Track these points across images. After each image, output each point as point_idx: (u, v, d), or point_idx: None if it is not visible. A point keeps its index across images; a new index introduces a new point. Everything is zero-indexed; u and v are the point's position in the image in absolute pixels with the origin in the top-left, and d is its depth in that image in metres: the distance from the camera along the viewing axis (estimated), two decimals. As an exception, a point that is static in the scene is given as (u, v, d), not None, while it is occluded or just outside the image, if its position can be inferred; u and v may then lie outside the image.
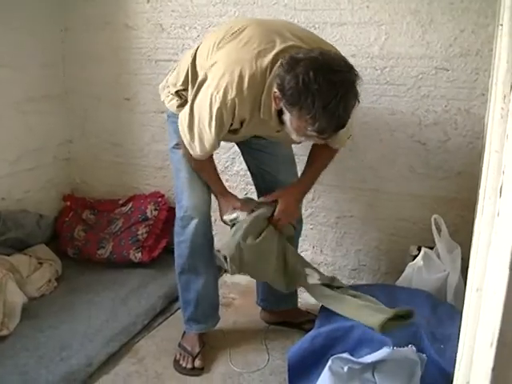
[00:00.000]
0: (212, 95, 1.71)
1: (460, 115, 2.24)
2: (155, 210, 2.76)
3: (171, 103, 2.03)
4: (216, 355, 2.17)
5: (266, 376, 2.05)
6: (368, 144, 2.40)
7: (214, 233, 2.68)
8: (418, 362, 1.57)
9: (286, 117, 1.64)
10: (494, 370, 0.47)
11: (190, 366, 2.08)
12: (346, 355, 1.63)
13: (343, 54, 2.30)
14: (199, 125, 1.79)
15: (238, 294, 2.62)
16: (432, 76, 2.25)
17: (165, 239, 2.73)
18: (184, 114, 1.84)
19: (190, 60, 1.93)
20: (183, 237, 2.08)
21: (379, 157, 2.35)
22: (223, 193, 2.09)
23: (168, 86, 2.05)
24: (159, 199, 2.81)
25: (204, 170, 2.02)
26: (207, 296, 2.16)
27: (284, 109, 1.63)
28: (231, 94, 1.68)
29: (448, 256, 2.07)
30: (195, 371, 2.07)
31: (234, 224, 2.00)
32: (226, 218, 2.04)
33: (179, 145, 1.99)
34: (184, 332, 2.21)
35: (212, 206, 2.09)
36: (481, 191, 1.06)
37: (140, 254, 2.67)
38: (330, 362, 1.62)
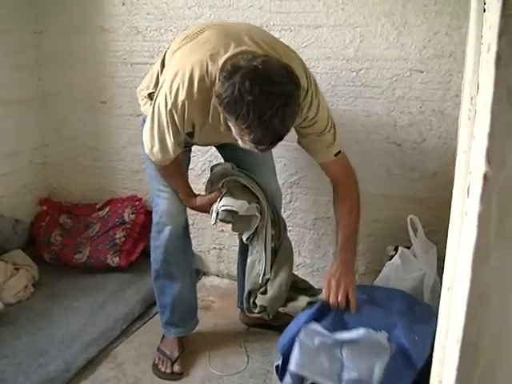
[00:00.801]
0: (166, 97, 1.70)
1: (435, 116, 2.26)
2: (132, 213, 2.75)
3: (145, 107, 2.00)
4: (195, 358, 2.16)
5: (245, 379, 2.05)
6: (345, 146, 2.41)
7: (192, 235, 2.68)
8: (387, 349, 1.57)
9: (230, 123, 1.59)
10: (458, 368, 0.48)
11: (169, 370, 2.08)
12: (319, 328, 1.64)
13: (318, 57, 2.35)
14: (159, 129, 1.77)
15: (218, 296, 2.62)
16: (407, 78, 2.27)
17: (142, 243, 2.71)
18: (147, 120, 1.84)
19: (159, 62, 1.93)
20: (158, 242, 2.08)
21: (355, 158, 2.35)
22: (193, 195, 2.04)
23: (142, 90, 2.04)
24: (136, 203, 2.80)
25: (171, 176, 1.99)
26: (183, 300, 2.15)
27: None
28: (181, 97, 1.66)
29: (424, 256, 2.09)
30: (174, 376, 2.06)
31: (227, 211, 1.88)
32: (216, 215, 1.90)
33: None
34: (163, 336, 2.20)
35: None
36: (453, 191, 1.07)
37: (117, 258, 2.65)
38: (302, 333, 1.62)
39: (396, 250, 2.22)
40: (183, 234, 2.11)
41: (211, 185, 2.01)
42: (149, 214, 2.74)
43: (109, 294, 2.49)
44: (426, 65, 2.23)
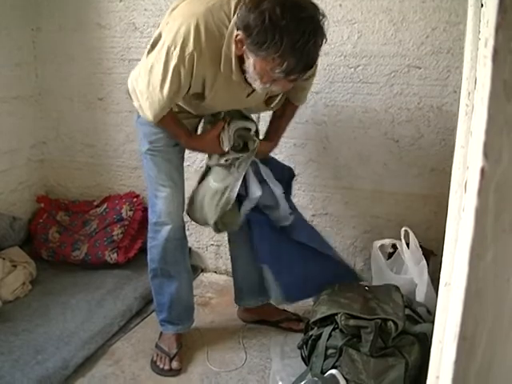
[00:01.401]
0: (169, 51, 1.62)
1: (432, 112, 2.27)
2: (130, 210, 2.74)
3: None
4: (193, 355, 2.16)
5: (243, 375, 2.05)
6: (342, 142, 2.41)
7: (190, 232, 2.68)
8: None
9: (250, 62, 1.58)
10: (455, 362, 0.48)
11: (167, 367, 2.07)
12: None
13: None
14: (149, 87, 1.71)
15: (215, 293, 2.62)
16: (405, 74, 2.27)
17: (140, 239, 2.71)
18: (134, 76, 1.78)
19: (156, 34, 1.85)
20: (156, 242, 2.07)
21: (353, 155, 2.36)
22: (197, 138, 1.98)
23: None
24: (134, 199, 2.79)
25: (169, 125, 1.88)
26: (181, 299, 2.15)
27: (248, 53, 1.56)
28: (189, 48, 1.60)
29: (415, 268, 2.07)
30: (172, 372, 2.06)
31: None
32: (227, 141, 1.90)
33: (152, 150, 1.97)
34: (161, 333, 2.20)
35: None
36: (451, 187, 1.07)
37: (115, 254, 2.64)
38: None
39: (394, 247, 2.23)
40: (180, 234, 2.10)
41: (209, 124, 1.98)
42: (146, 210, 2.72)
43: (107, 291, 2.49)
44: (424, 61, 2.23)
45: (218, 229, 2.07)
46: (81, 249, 2.70)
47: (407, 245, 2.12)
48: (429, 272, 2.06)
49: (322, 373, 1.76)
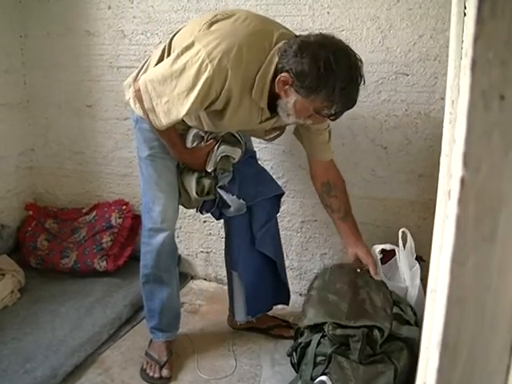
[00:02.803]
0: (203, 62, 1.62)
1: (420, 119, 2.28)
2: (119, 217, 2.74)
3: (139, 105, 1.86)
4: (183, 363, 2.16)
5: (233, 382, 2.05)
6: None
7: (179, 239, 2.69)
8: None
9: (290, 100, 1.65)
10: (438, 370, 0.48)
11: (157, 375, 2.06)
12: None
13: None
14: (174, 91, 1.69)
15: (205, 300, 2.62)
16: (392, 81, 2.28)
17: (130, 247, 2.71)
18: (152, 77, 1.74)
19: (164, 46, 1.87)
20: (150, 247, 2.06)
21: (342, 161, 2.37)
22: (189, 152, 1.97)
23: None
24: (123, 207, 2.78)
25: (169, 134, 1.89)
26: (171, 306, 2.15)
27: (291, 93, 1.63)
28: (227, 64, 1.61)
29: (408, 272, 2.08)
30: (162, 380, 2.05)
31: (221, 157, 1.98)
32: (214, 162, 1.97)
33: (153, 156, 1.97)
34: (151, 340, 2.19)
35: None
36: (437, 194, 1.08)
37: (105, 262, 2.63)
38: None
39: (383, 252, 2.23)
40: (174, 240, 2.12)
41: (198, 139, 2.00)
42: (136, 217, 2.74)
43: (96, 299, 2.48)
44: (412, 68, 2.24)
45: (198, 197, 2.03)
46: (70, 256, 2.69)
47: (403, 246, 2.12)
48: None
49: (312, 379, 1.76)
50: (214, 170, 1.98)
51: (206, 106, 1.72)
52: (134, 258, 2.45)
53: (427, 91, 2.24)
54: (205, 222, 2.73)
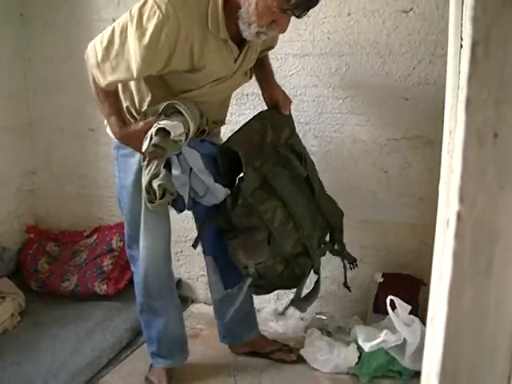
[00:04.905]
0: (151, 9, 1.56)
1: (420, 142, 2.29)
2: (120, 241, 2.73)
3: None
4: (183, 388, 2.14)
5: (234, 407, 2.04)
6: (332, 172, 2.42)
7: (180, 263, 2.68)
8: None
9: (251, 1, 1.58)
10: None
11: (157, 400, 2.05)
12: None
13: (305, 85, 2.38)
14: (121, 47, 1.61)
15: (206, 324, 2.60)
16: (392, 105, 2.30)
17: (130, 270, 2.70)
18: (100, 37, 1.67)
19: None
20: (139, 278, 2.04)
21: (343, 184, 2.38)
22: (126, 129, 1.77)
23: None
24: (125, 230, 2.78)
25: (109, 98, 1.77)
26: (170, 334, 2.12)
27: None
28: (175, 8, 1.55)
29: (407, 329, 2.05)
30: (162, 405, 2.04)
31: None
32: (150, 139, 1.67)
33: (136, 181, 1.84)
34: (151, 365, 2.18)
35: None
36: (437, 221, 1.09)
37: (105, 286, 2.63)
38: None
39: (384, 276, 2.23)
40: (166, 270, 2.07)
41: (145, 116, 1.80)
42: (137, 241, 2.73)
43: (96, 323, 2.47)
44: (411, 92, 2.26)
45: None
46: (70, 280, 2.69)
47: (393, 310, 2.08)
48: (419, 314, 2.07)
49: None
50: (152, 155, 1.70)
51: (161, 63, 1.63)
52: (135, 281, 2.45)
53: (426, 115, 2.26)
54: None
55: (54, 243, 2.92)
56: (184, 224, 2.60)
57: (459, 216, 0.45)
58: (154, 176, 1.71)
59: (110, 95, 1.76)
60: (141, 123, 1.72)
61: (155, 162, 1.71)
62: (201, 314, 2.70)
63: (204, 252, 2.18)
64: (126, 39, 1.60)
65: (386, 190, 2.38)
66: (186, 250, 2.75)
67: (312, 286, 2.07)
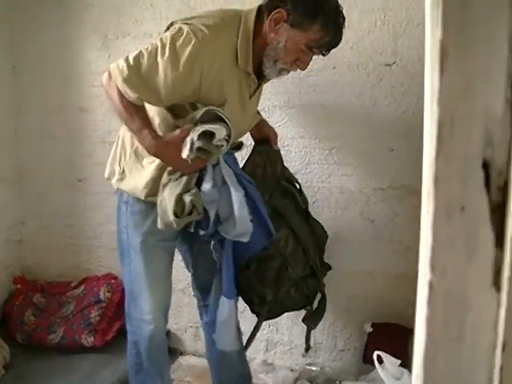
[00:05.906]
0: (187, 36, 1.54)
1: (406, 192, 2.32)
2: (108, 292, 2.72)
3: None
4: None
5: None
6: (320, 222, 2.44)
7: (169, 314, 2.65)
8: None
9: (281, 38, 1.62)
10: None
11: None
12: None
13: (292, 136, 2.43)
14: (146, 70, 1.57)
15: (194, 376, 2.56)
16: (377, 155, 2.34)
17: (118, 322, 2.67)
18: (125, 59, 1.59)
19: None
20: (137, 338, 1.96)
21: (330, 234, 2.39)
22: (161, 140, 1.66)
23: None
24: (112, 281, 2.77)
25: (139, 111, 1.66)
26: None
27: (283, 30, 1.62)
28: (210, 35, 1.56)
29: (396, 382, 2.03)
30: None
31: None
32: (191, 144, 1.59)
33: (144, 243, 1.83)
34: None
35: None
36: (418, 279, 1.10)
37: (92, 337, 2.60)
38: None
39: (373, 326, 2.22)
40: (164, 334, 2.04)
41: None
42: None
43: (83, 376, 2.42)
44: (396, 142, 2.30)
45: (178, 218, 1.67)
46: (57, 332, 2.65)
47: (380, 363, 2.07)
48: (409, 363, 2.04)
49: None
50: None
51: (190, 90, 1.61)
52: (123, 332, 2.41)
53: (411, 165, 2.29)
54: (194, 296, 2.71)
55: (41, 294, 2.89)
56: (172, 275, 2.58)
57: (431, 285, 0.47)
58: (186, 190, 1.65)
59: (140, 108, 1.65)
60: (177, 131, 1.63)
61: (186, 177, 1.66)
62: (189, 367, 2.66)
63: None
64: (156, 62, 1.55)
65: (373, 239, 2.39)
66: (174, 300, 2.72)
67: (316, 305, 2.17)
